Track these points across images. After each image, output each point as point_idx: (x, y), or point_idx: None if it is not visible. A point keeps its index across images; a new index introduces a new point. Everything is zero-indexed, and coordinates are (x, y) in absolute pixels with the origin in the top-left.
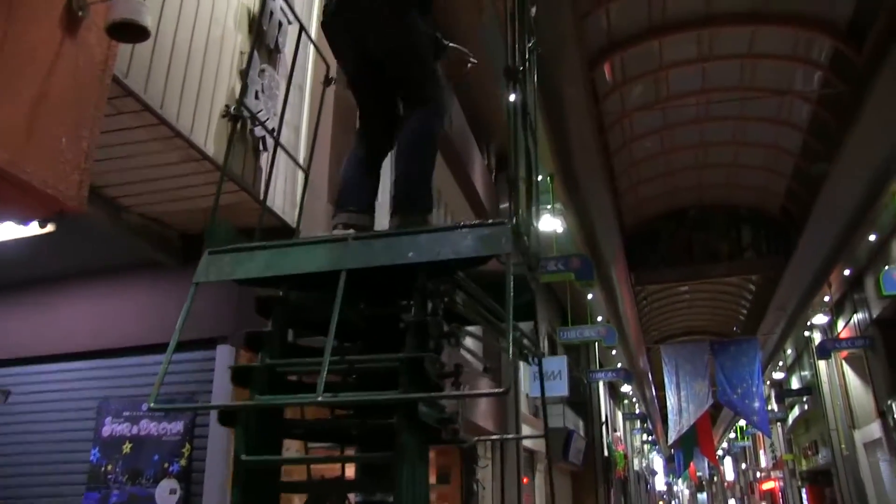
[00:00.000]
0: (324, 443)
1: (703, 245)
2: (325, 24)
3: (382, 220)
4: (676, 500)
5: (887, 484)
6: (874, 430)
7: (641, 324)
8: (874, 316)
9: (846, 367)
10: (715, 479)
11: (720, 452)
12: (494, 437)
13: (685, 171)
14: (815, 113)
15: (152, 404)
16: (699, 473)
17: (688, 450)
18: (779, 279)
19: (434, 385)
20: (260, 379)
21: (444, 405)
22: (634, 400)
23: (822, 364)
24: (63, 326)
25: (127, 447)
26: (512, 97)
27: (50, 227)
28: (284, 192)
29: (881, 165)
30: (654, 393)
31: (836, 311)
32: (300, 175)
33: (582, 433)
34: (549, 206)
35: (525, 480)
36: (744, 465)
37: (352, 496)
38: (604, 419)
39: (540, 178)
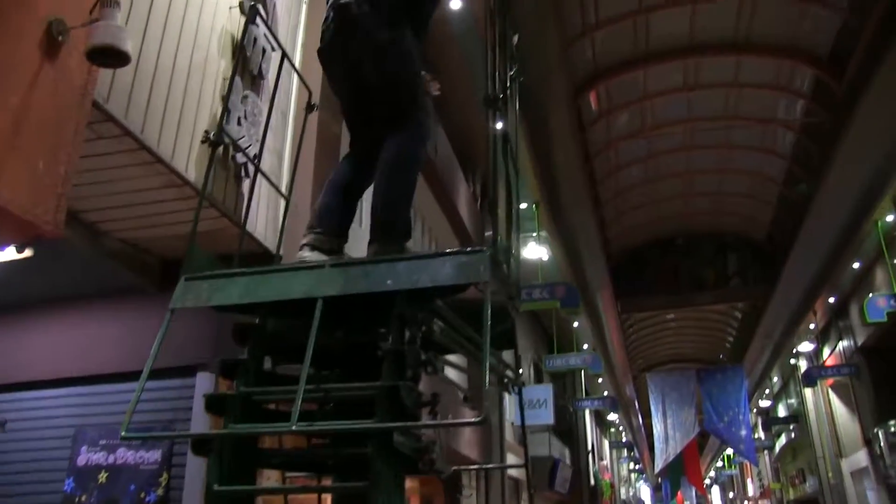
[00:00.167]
0: (301, 472)
1: (690, 273)
2: (322, 51)
3: (362, 245)
4: None
5: None
6: (861, 458)
7: (628, 351)
8: (859, 343)
9: (832, 395)
10: None
11: (707, 481)
12: (474, 466)
13: (671, 199)
14: (799, 141)
15: (124, 433)
16: (686, 502)
17: (675, 478)
18: (765, 307)
19: (410, 414)
20: (234, 407)
21: (420, 434)
22: (621, 428)
23: (808, 392)
24: (40, 353)
25: (103, 476)
26: (492, 125)
27: (28, 252)
28: (266, 218)
29: (863, 193)
30: (640, 421)
31: (821, 338)
32: (282, 201)
33: (568, 462)
34: (534, 234)
35: None
36: (731, 494)
37: None
38: (590, 447)
39: (525, 205)
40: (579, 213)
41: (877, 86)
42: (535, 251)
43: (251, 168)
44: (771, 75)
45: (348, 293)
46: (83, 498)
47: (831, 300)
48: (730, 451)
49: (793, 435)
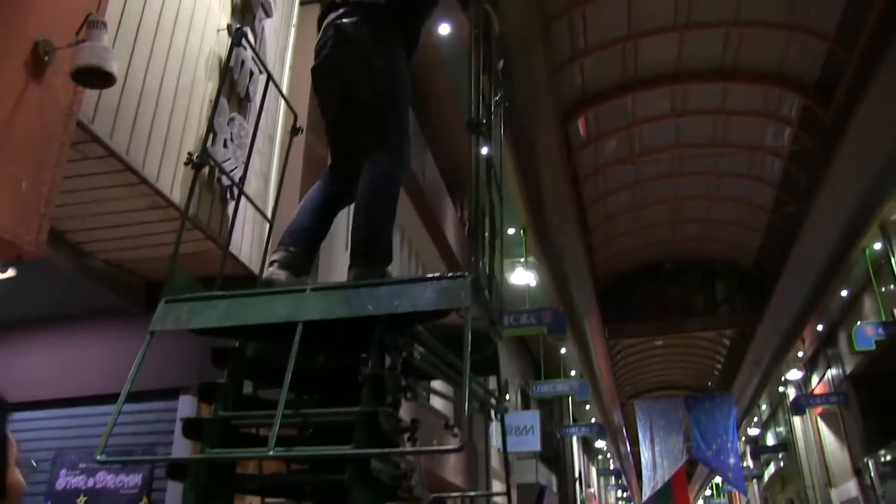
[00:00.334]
0: (279, 498)
1: (678, 299)
2: (317, 68)
3: (341, 267)
4: None
5: None
6: (851, 488)
7: (615, 378)
8: (848, 372)
9: (821, 424)
10: None
11: None
12: (456, 494)
13: (659, 225)
14: (787, 168)
15: (100, 456)
16: None
17: None
18: (753, 334)
19: (389, 440)
20: (212, 432)
21: (399, 461)
22: (609, 455)
23: (797, 420)
24: (20, 374)
25: (81, 501)
26: (474, 150)
27: (10, 273)
28: (252, 240)
29: (851, 220)
30: (628, 448)
31: (810, 366)
32: (267, 224)
33: (555, 489)
34: (521, 260)
35: None
36: None
37: None
38: (577, 475)
39: (513, 230)
40: (567, 238)
41: (863, 114)
42: (522, 277)
43: (237, 190)
44: (758, 103)
45: (329, 317)
46: None
47: (819, 328)
48: (718, 479)
49: (782, 464)
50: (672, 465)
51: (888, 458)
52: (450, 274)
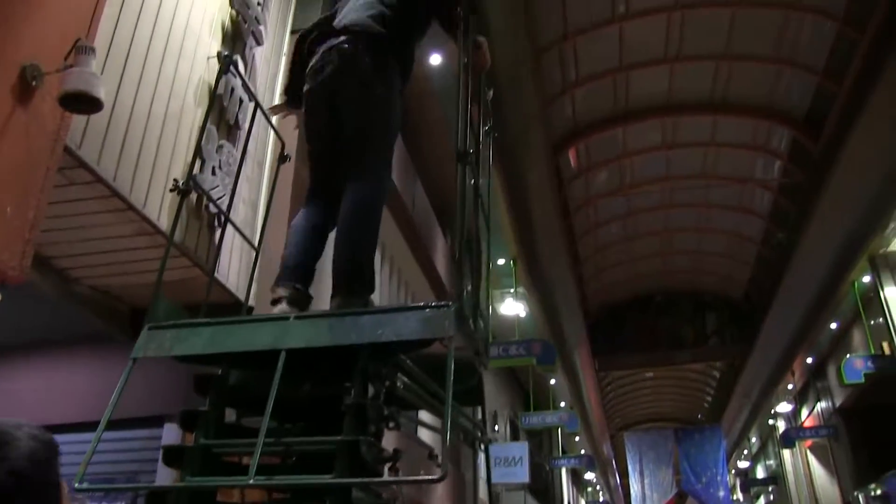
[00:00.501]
0: None
1: (668, 331)
2: (311, 91)
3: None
4: None
5: None
6: None
7: (605, 410)
8: (837, 405)
9: (811, 457)
10: None
11: None
12: None
13: (650, 256)
14: (776, 201)
15: (78, 484)
16: None
17: None
18: (742, 366)
19: (371, 470)
20: (193, 459)
21: (380, 491)
22: (598, 487)
23: (786, 453)
24: (5, 400)
25: None
26: (461, 179)
27: None
28: (239, 268)
29: (840, 254)
30: (618, 480)
31: (799, 399)
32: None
33: None
34: (511, 290)
35: None
36: None
37: None
38: None
39: (503, 261)
40: (557, 269)
41: (851, 147)
42: (511, 307)
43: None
44: (748, 135)
45: (312, 346)
46: None
47: (809, 360)
48: None
49: (772, 497)
50: (661, 498)
51: (878, 491)
52: (433, 303)
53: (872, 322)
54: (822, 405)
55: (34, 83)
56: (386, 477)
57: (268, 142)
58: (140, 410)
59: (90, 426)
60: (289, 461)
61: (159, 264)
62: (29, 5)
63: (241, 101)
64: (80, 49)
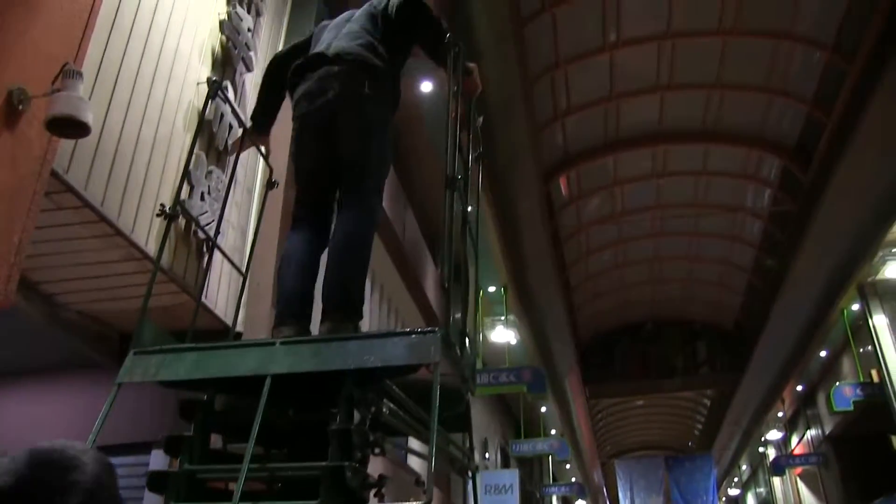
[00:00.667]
0: None
1: (659, 359)
2: (308, 115)
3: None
4: None
5: None
6: None
7: (596, 437)
8: (827, 432)
9: (801, 484)
10: None
11: None
12: None
13: (641, 284)
14: (767, 229)
15: None
16: None
17: None
18: (733, 394)
19: (356, 495)
20: (177, 485)
21: None
22: None
23: (776, 481)
24: None
25: None
26: (448, 206)
27: None
28: (228, 294)
29: (829, 282)
30: None
31: (789, 426)
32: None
33: None
34: (502, 317)
35: None
36: None
37: None
38: None
39: (493, 288)
40: (548, 297)
41: (841, 176)
42: (502, 334)
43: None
44: (739, 164)
45: (297, 371)
46: None
47: (799, 388)
48: None
49: None
50: None
51: None
52: (419, 329)
53: (861, 350)
54: (811, 433)
55: (21, 107)
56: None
57: (257, 168)
58: (127, 436)
59: None
60: (275, 487)
61: (156, 289)
62: (15, 29)
63: (230, 126)
64: (68, 73)
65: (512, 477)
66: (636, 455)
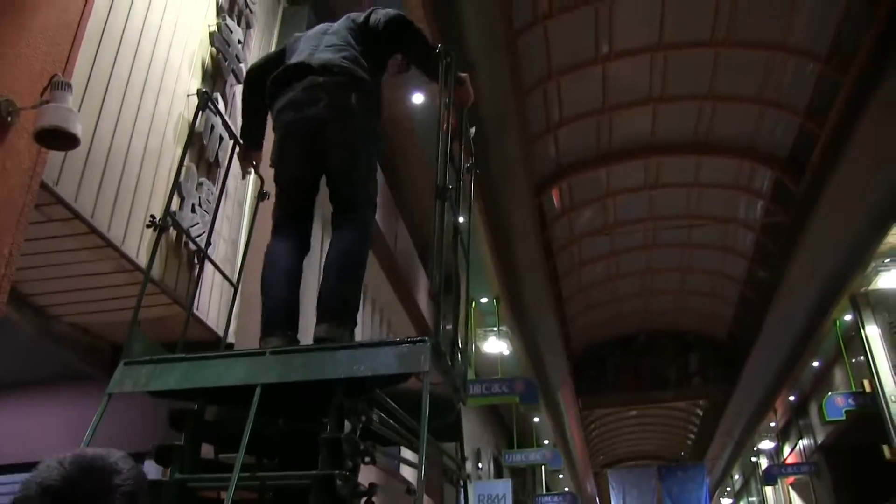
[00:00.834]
0: None
1: (651, 371)
2: (295, 123)
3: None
4: None
5: None
6: None
7: (589, 447)
8: (819, 442)
9: (793, 494)
10: None
11: None
12: None
13: (633, 296)
14: (759, 241)
15: None
16: None
17: None
18: (725, 405)
19: None
20: (168, 495)
21: None
22: None
23: (769, 490)
24: None
25: None
26: (438, 216)
27: None
28: (219, 306)
29: (822, 293)
30: None
31: (782, 436)
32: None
33: None
34: (494, 329)
35: None
36: None
37: None
38: None
39: (485, 300)
40: (540, 308)
41: (833, 188)
42: (495, 345)
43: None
44: (731, 176)
45: (287, 381)
46: None
47: (791, 398)
48: None
49: None
50: None
51: None
52: (409, 338)
53: (854, 360)
54: (803, 443)
55: (9, 119)
56: None
57: (248, 179)
58: (119, 447)
59: None
60: (266, 496)
61: (148, 300)
62: (4, 41)
63: (220, 138)
64: (57, 85)
65: (505, 487)
66: (629, 465)
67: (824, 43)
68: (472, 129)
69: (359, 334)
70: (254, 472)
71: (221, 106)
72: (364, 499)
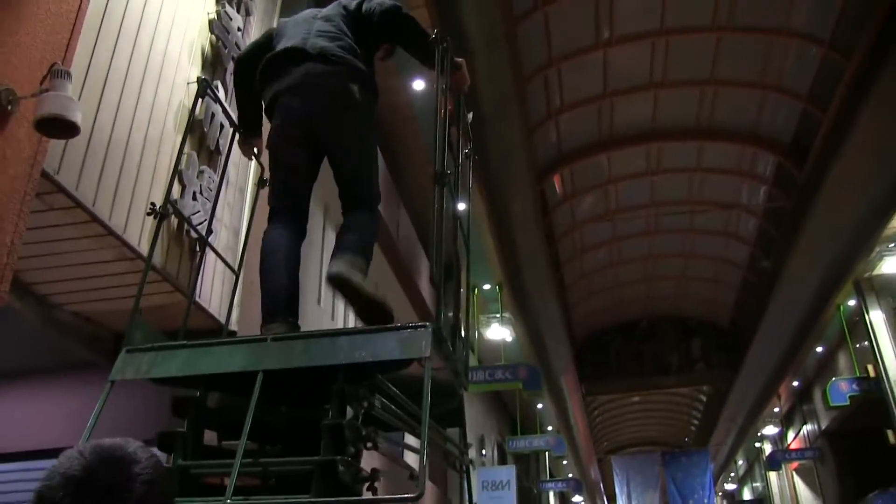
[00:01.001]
0: None
1: (654, 357)
2: (293, 110)
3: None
4: None
5: None
6: None
7: (593, 434)
8: (823, 427)
9: (797, 479)
10: None
11: None
12: None
13: (635, 282)
14: (762, 226)
15: None
16: None
17: None
18: (729, 390)
19: (349, 490)
20: None
21: None
22: None
23: (773, 475)
24: None
25: None
26: (437, 201)
27: None
28: (222, 293)
29: (825, 278)
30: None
31: (785, 422)
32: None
33: None
34: (497, 315)
35: None
36: None
37: None
38: None
39: (488, 286)
40: (543, 295)
41: (836, 173)
42: (498, 332)
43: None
44: (733, 161)
45: (288, 367)
46: None
47: (795, 384)
48: None
49: None
50: None
51: None
52: (410, 324)
53: (858, 345)
54: (807, 428)
55: (9, 108)
56: (364, 497)
57: (249, 167)
58: (122, 435)
59: None
60: (269, 483)
61: (150, 289)
62: (2, 29)
63: (221, 126)
64: (56, 73)
65: (509, 473)
66: (632, 451)
67: (827, 26)
68: (470, 115)
69: (358, 322)
70: (256, 458)
71: (221, 94)
72: (366, 484)
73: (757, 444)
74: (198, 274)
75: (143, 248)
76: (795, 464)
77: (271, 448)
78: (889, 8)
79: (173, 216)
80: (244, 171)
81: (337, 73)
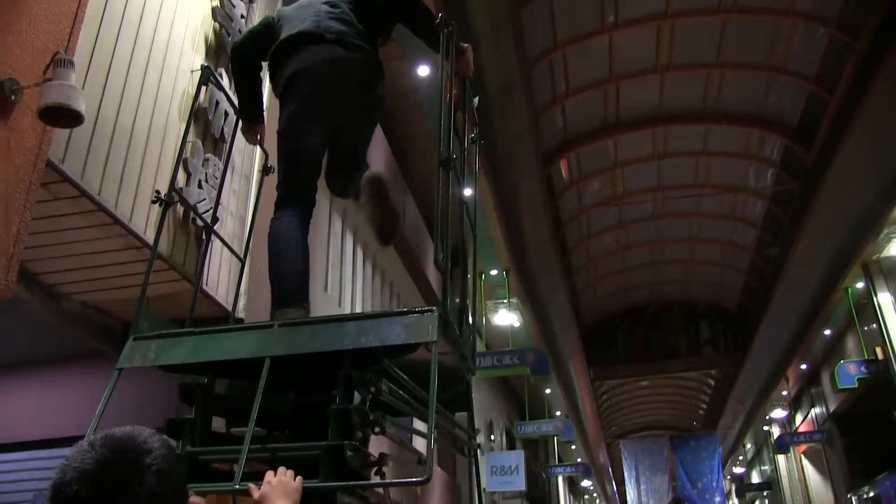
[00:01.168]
0: None
1: (662, 341)
2: (311, 96)
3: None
4: None
5: None
6: None
7: (601, 418)
8: (831, 410)
9: (805, 462)
10: None
11: None
12: None
13: (642, 267)
14: (769, 209)
15: None
16: None
17: None
18: (737, 374)
19: (356, 474)
20: None
21: (366, 495)
22: (595, 495)
23: (781, 458)
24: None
25: None
26: (443, 186)
27: None
28: (228, 281)
29: (833, 261)
30: (614, 488)
31: (793, 405)
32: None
33: None
34: (505, 301)
35: None
36: None
37: None
38: None
39: (495, 272)
40: (550, 280)
41: (844, 155)
42: (505, 317)
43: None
44: (740, 144)
45: (295, 353)
46: None
47: (803, 367)
48: None
49: (766, 502)
50: None
51: (870, 494)
52: (417, 309)
53: (866, 328)
54: (816, 411)
55: (13, 97)
56: (372, 481)
57: (254, 154)
58: (134, 422)
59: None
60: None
61: (157, 277)
62: (4, 19)
63: (226, 114)
64: (59, 62)
65: (518, 458)
66: (641, 435)
67: (834, 7)
68: (476, 100)
69: (368, 307)
70: (264, 444)
71: (225, 81)
72: (374, 469)
73: (765, 428)
74: (204, 262)
75: (150, 237)
76: (804, 447)
77: (279, 434)
78: None
79: (179, 204)
80: (249, 159)
81: (360, 62)
